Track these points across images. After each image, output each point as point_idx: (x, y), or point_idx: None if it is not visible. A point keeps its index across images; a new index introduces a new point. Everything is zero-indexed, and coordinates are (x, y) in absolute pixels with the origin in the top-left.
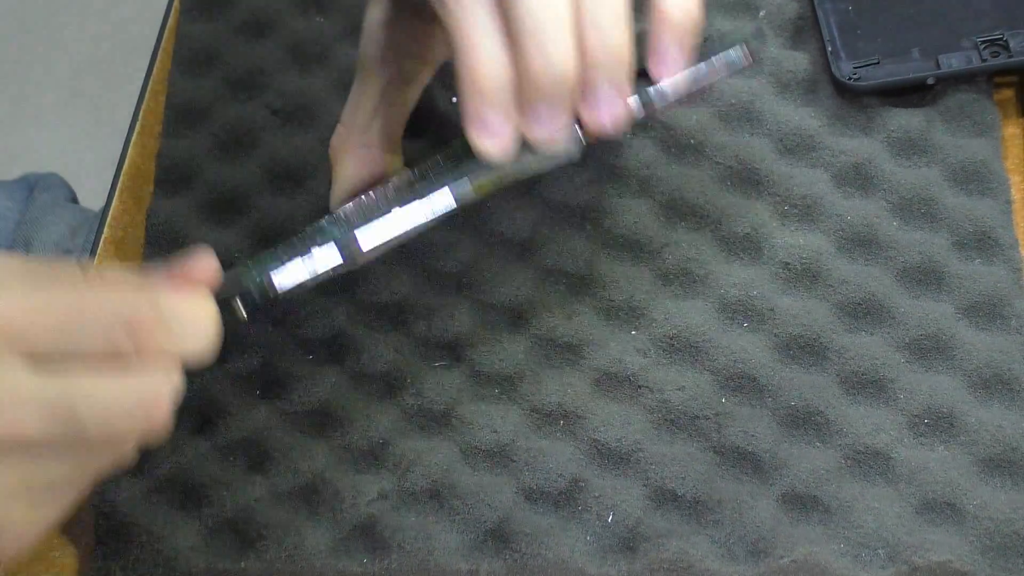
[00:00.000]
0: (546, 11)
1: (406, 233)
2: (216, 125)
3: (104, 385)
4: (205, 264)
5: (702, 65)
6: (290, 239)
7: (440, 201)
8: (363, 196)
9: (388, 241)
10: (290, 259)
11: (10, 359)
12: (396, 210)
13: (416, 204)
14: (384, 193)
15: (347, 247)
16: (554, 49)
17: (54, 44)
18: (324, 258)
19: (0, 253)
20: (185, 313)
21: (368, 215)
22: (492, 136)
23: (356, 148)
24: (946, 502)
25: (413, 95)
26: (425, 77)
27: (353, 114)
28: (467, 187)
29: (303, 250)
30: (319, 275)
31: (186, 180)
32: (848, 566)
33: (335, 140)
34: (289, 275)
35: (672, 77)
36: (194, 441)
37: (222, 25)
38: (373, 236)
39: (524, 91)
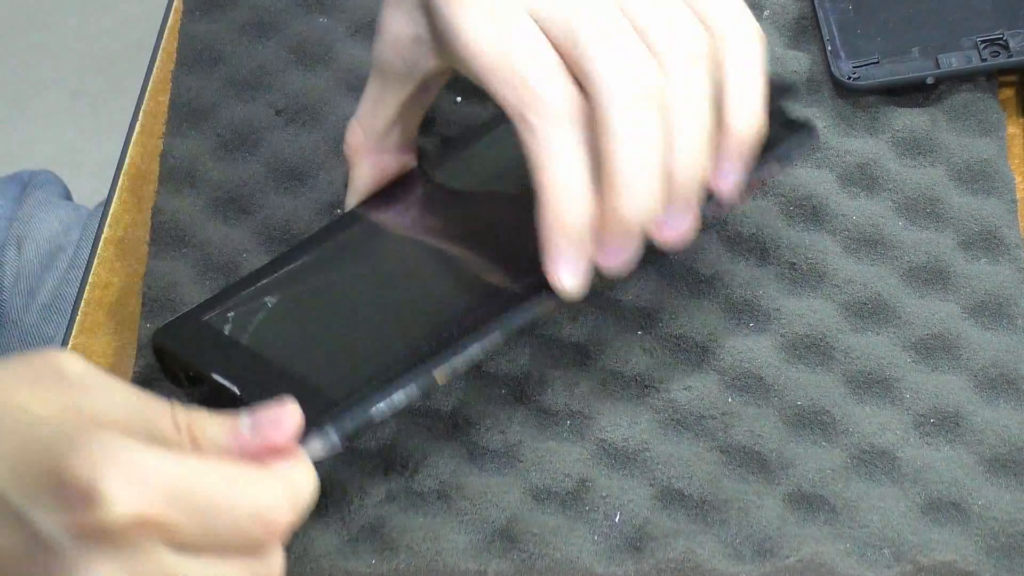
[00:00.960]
0: (639, 159)
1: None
2: (220, 125)
3: (235, 569)
4: (291, 414)
5: (762, 166)
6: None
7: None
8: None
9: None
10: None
11: (159, 546)
12: (474, 346)
13: (492, 337)
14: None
15: (425, 387)
16: (644, 196)
17: (54, 44)
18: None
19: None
20: (303, 490)
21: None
22: (573, 274)
23: (373, 152)
24: (951, 502)
25: (430, 100)
26: (443, 82)
27: (371, 117)
28: (531, 316)
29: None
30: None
31: (191, 179)
32: (854, 565)
33: (351, 139)
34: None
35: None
36: None
37: (225, 25)
38: (448, 370)
39: (606, 229)
